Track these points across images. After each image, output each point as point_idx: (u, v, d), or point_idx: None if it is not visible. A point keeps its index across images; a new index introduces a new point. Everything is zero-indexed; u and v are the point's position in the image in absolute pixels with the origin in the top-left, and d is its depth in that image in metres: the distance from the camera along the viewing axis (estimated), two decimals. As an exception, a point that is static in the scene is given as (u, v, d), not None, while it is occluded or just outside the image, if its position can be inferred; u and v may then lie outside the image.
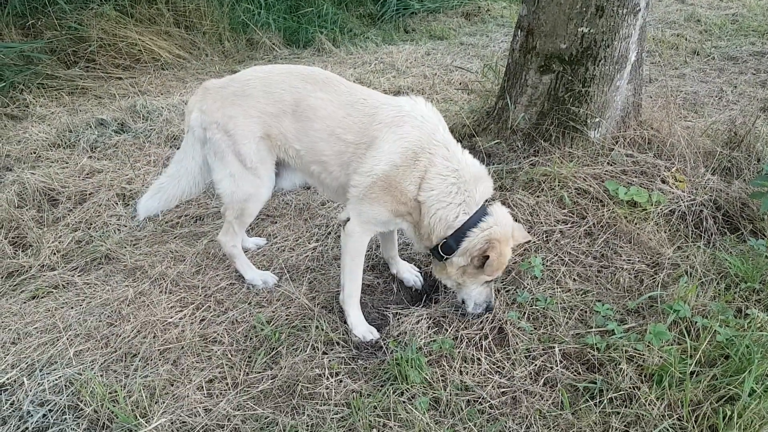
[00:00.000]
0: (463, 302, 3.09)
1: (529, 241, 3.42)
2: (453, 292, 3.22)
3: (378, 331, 3.13)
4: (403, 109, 2.88)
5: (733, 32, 8.61)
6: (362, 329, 3.10)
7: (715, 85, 6.58)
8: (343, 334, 3.11)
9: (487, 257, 2.78)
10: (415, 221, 2.95)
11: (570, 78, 4.06)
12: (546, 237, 3.67)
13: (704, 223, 3.83)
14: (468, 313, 3.09)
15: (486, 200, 2.90)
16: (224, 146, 3.02)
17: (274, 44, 8.28)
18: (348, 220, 2.99)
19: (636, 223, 3.74)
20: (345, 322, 3.16)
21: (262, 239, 3.90)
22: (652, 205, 3.81)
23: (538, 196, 3.88)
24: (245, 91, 2.99)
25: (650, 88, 6.14)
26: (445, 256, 2.90)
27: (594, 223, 3.74)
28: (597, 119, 4.15)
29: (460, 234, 2.82)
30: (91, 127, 5.40)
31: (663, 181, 4.01)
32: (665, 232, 3.74)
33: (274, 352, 2.98)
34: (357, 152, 2.87)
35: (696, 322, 2.93)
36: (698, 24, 8.95)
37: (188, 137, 3.18)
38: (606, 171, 4.01)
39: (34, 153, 4.99)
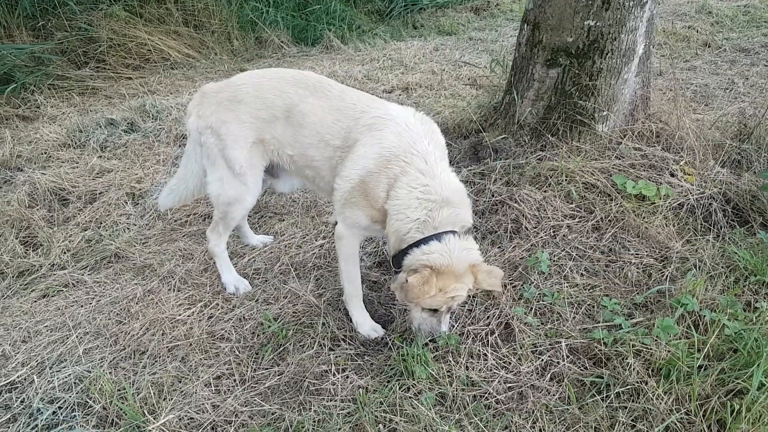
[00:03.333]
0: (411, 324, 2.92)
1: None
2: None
3: (384, 327, 3.13)
4: (387, 113, 2.82)
5: (745, 24, 8.52)
6: (367, 327, 3.10)
7: (726, 77, 6.51)
8: (349, 331, 3.11)
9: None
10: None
11: (577, 71, 4.04)
12: (553, 232, 3.65)
13: (713, 216, 3.79)
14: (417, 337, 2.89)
15: (460, 227, 2.73)
16: (215, 150, 3.06)
17: (282, 42, 8.30)
18: (336, 223, 3.00)
19: (644, 217, 3.71)
20: (351, 320, 3.17)
21: (268, 237, 3.91)
22: (660, 198, 3.78)
23: (545, 191, 3.86)
24: (237, 97, 3.01)
25: (660, 80, 6.09)
26: (395, 270, 2.83)
27: (602, 218, 3.72)
28: (604, 113, 4.12)
29: (406, 251, 2.70)
30: (101, 126, 5.45)
31: (672, 175, 3.97)
32: (674, 226, 3.71)
33: (281, 349, 2.99)
34: (343, 156, 2.87)
35: (704, 316, 2.91)
36: (709, 16, 8.86)
37: (189, 140, 3.26)
38: (614, 165, 3.98)
39: (45, 153, 5.05)
